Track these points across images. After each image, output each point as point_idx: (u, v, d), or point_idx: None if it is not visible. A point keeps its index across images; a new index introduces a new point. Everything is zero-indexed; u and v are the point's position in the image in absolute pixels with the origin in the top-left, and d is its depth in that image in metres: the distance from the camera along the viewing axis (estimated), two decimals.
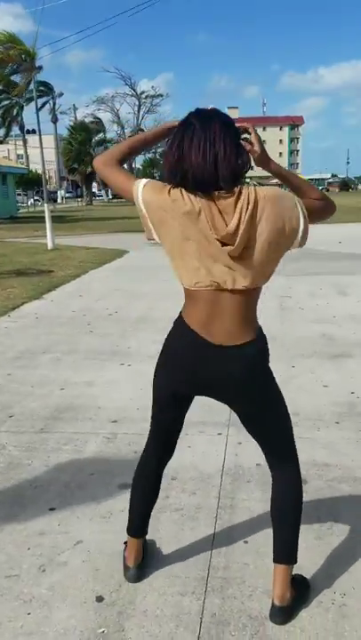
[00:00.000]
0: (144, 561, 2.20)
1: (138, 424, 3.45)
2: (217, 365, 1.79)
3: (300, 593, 2.02)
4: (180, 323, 1.84)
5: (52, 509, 2.66)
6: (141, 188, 1.75)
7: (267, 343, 1.89)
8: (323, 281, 8.31)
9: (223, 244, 1.67)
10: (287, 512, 2.00)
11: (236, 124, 1.74)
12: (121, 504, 2.66)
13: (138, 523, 2.18)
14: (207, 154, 1.64)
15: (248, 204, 1.65)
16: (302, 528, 2.41)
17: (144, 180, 1.79)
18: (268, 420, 1.97)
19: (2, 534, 2.48)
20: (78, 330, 5.99)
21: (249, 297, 1.78)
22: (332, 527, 2.44)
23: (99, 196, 68.46)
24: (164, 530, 2.46)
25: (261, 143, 1.76)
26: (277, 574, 1.96)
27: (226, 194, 1.67)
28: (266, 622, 1.92)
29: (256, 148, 1.74)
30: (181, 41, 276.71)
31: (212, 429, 3.44)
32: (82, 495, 2.77)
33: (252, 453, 3.12)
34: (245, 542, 2.35)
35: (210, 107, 1.77)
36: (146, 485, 2.17)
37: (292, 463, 2.02)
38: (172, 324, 1.90)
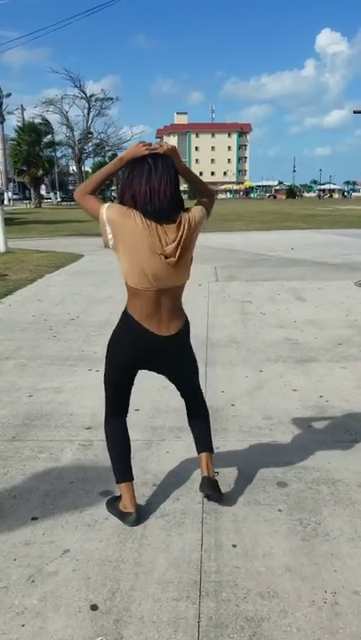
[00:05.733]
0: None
1: None
2: (160, 348, 2.43)
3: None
4: (126, 315, 2.42)
5: (34, 519, 2.62)
6: (105, 208, 2.28)
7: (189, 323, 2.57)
8: (280, 286, 8.49)
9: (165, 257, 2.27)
10: (204, 424, 2.83)
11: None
12: (104, 512, 2.65)
13: (127, 468, 2.62)
14: (160, 189, 2.24)
15: (185, 227, 2.29)
16: (287, 531, 2.51)
17: (108, 204, 2.32)
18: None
19: None
20: (41, 335, 5.90)
21: (180, 292, 2.45)
22: (316, 529, 2.50)
23: (47, 199, 67.40)
24: (152, 536, 2.47)
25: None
26: (204, 459, 2.72)
27: (170, 220, 2.28)
28: (263, 623, 1.96)
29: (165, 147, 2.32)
30: (123, 42, 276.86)
31: (187, 435, 3.44)
32: (64, 504, 2.74)
33: (230, 457, 3.18)
34: (234, 546, 2.39)
35: (162, 142, 2.38)
36: (122, 442, 2.65)
37: (202, 395, 2.88)
38: None
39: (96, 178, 2.41)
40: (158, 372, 2.65)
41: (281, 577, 2.21)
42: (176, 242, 2.27)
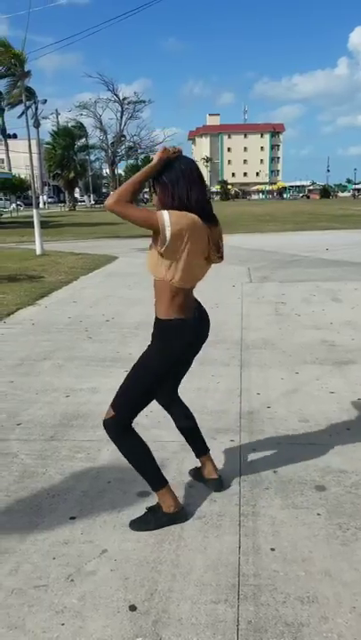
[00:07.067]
0: None
1: (149, 431, 3.44)
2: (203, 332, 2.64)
3: None
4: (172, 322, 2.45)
5: (72, 518, 2.64)
6: (167, 216, 2.24)
7: None
8: (315, 287, 8.39)
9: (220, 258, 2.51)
10: (193, 425, 2.88)
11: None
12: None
13: (160, 471, 2.60)
14: (206, 192, 2.40)
15: (220, 227, 2.48)
16: (326, 535, 2.47)
17: (165, 211, 2.26)
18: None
19: (25, 544, 2.46)
20: (77, 336, 5.97)
21: None
22: (356, 534, 2.46)
23: (81, 202, 68.18)
24: (189, 538, 2.46)
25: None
26: (206, 460, 2.88)
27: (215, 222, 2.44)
28: (303, 629, 1.94)
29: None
30: (154, 45, 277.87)
31: (223, 436, 3.45)
32: (101, 504, 2.76)
33: (267, 460, 3.15)
34: (272, 549, 2.36)
35: (175, 147, 2.37)
36: (146, 447, 2.56)
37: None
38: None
39: (132, 183, 2.27)
40: (183, 366, 2.73)
41: (321, 582, 2.18)
42: (222, 241, 2.47)
